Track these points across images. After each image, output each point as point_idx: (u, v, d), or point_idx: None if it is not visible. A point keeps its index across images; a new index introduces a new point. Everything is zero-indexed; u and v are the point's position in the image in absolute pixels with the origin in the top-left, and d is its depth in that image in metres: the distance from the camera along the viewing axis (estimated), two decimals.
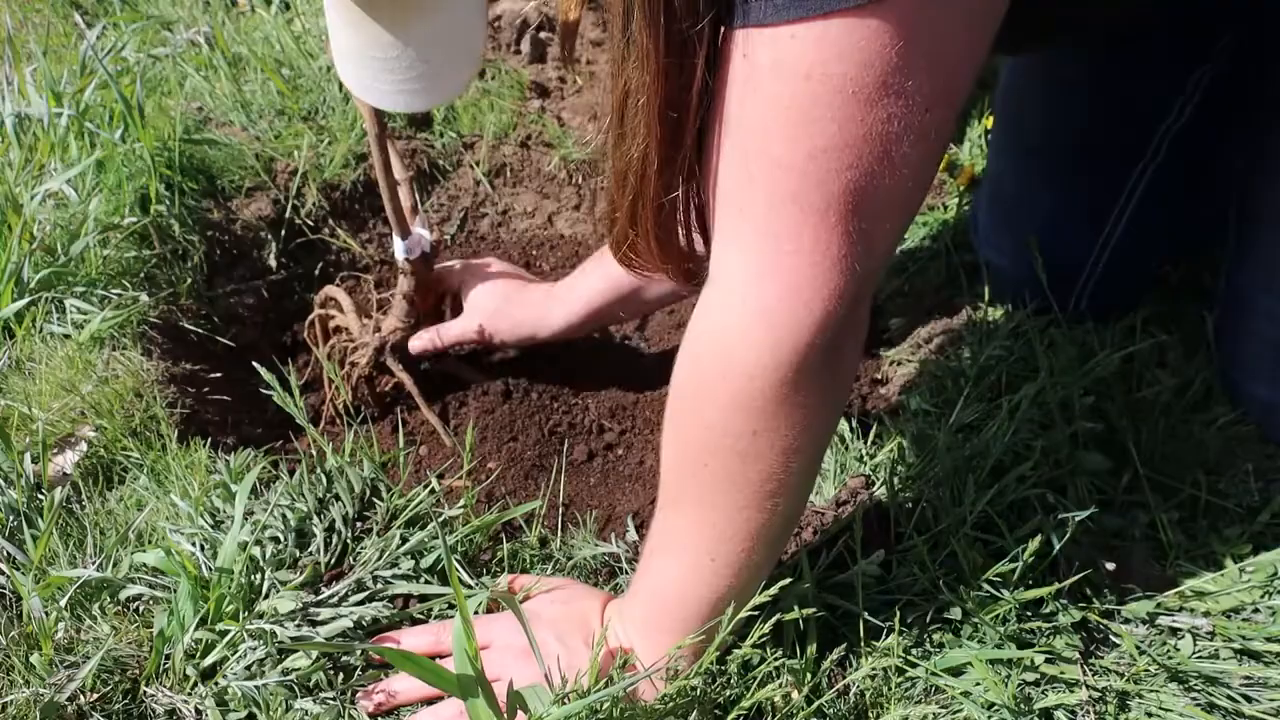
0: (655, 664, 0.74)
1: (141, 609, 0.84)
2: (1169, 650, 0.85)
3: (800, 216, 0.59)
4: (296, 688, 0.78)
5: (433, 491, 0.95)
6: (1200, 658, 0.83)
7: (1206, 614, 0.86)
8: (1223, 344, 1.10)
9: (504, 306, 1.13)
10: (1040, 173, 1.18)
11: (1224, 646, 0.84)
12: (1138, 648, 0.84)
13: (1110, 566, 0.90)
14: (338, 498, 0.93)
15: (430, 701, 0.79)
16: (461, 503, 0.94)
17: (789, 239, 0.60)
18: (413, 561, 0.89)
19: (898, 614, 0.82)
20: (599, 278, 1.09)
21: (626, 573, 0.93)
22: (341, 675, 0.81)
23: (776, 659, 0.79)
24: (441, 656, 0.80)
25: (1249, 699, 0.81)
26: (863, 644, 0.82)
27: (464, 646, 0.65)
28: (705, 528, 0.72)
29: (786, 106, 0.57)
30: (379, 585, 0.87)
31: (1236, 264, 1.08)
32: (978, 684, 0.79)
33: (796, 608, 0.80)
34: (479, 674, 0.66)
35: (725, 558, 0.72)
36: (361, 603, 0.85)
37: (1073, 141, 1.14)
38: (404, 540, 0.89)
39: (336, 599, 0.85)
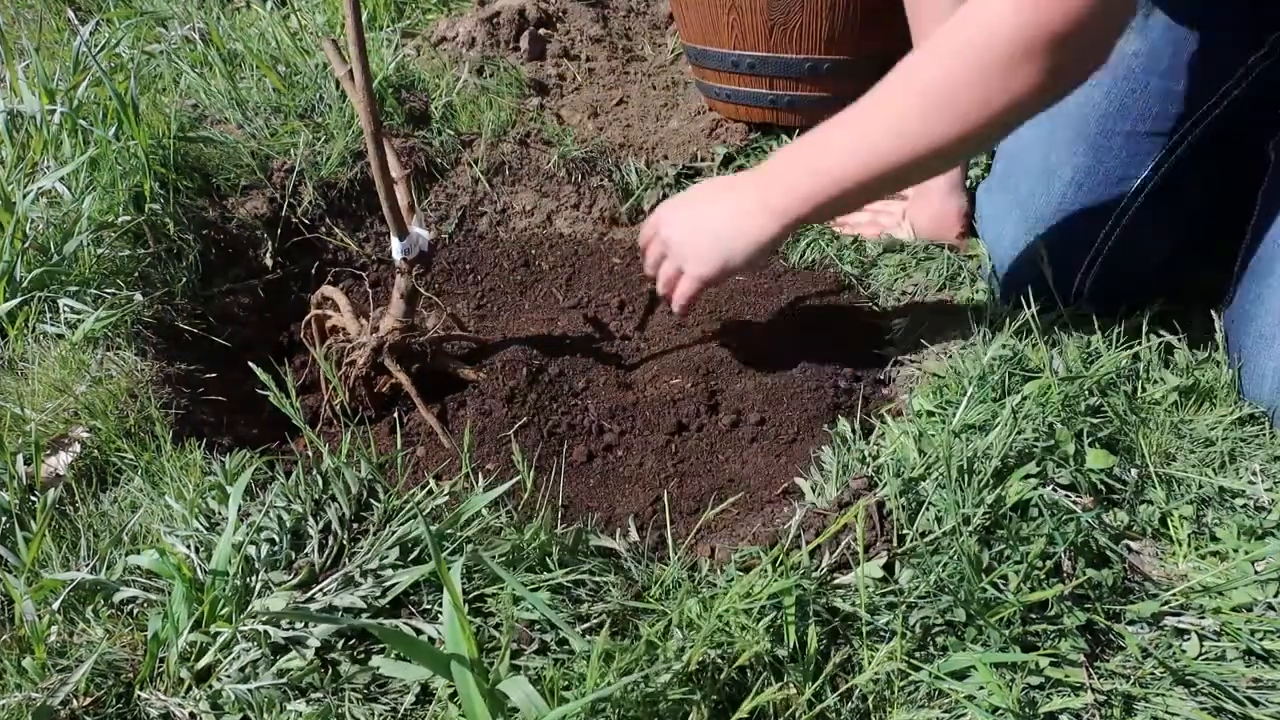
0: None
1: (135, 612, 0.83)
2: (1175, 652, 0.84)
3: None
4: (289, 689, 0.77)
5: (430, 493, 0.94)
6: (1207, 659, 0.83)
7: (1217, 611, 0.85)
8: (1233, 337, 1.09)
9: None
10: (1053, 155, 1.17)
11: (1230, 647, 0.83)
12: (1144, 650, 0.83)
13: (1133, 545, 0.89)
14: (334, 499, 0.92)
15: None
16: (447, 491, 0.93)
17: None
18: (406, 555, 0.87)
19: (900, 616, 0.81)
20: None
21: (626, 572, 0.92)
22: (332, 675, 0.80)
23: (778, 661, 0.78)
24: None
25: (1255, 702, 0.80)
26: (865, 647, 0.81)
27: (456, 623, 0.65)
28: (888, 136, 0.91)
29: None
30: (369, 581, 0.86)
31: (1243, 268, 1.07)
32: (982, 688, 0.79)
33: (798, 610, 0.80)
34: (472, 655, 0.66)
35: (884, 156, 0.92)
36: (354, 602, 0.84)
37: (1095, 125, 1.13)
38: (400, 540, 0.88)
39: (326, 597, 0.84)
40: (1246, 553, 0.89)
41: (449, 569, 0.71)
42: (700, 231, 1.08)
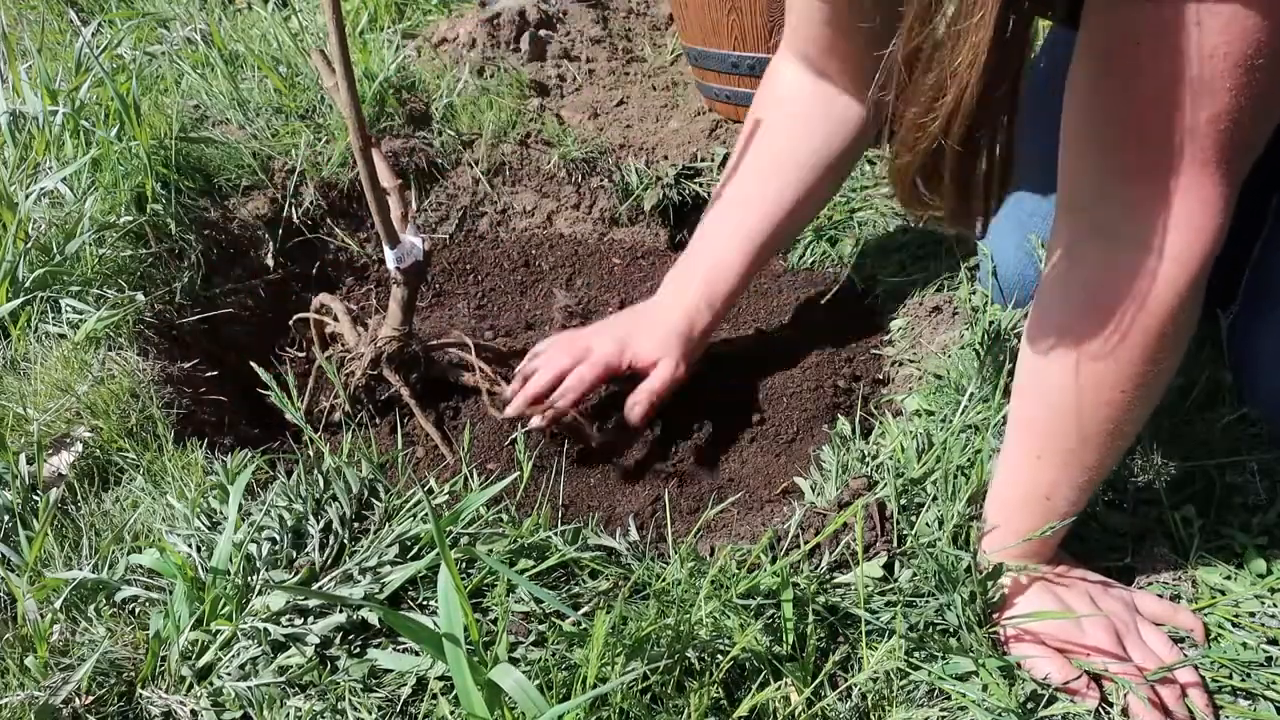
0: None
1: (137, 610, 0.84)
2: None
3: (1200, 170, 0.68)
4: (289, 686, 0.77)
5: (431, 492, 0.94)
6: (1209, 658, 0.83)
7: (1221, 608, 0.85)
8: (1234, 349, 1.08)
9: (669, 337, 1.14)
10: (1052, 178, 1.16)
11: (1233, 646, 0.84)
12: None
13: (1134, 544, 0.89)
14: (335, 498, 0.92)
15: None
16: (447, 491, 0.94)
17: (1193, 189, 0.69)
18: (406, 553, 0.88)
19: (900, 616, 0.82)
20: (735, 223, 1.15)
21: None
22: (330, 670, 0.80)
23: (777, 660, 0.78)
24: None
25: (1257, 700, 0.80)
26: (864, 646, 0.82)
27: (455, 605, 0.66)
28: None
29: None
30: (368, 579, 0.86)
31: (1254, 271, 1.07)
32: (984, 688, 0.79)
33: (797, 609, 0.80)
34: (474, 636, 0.69)
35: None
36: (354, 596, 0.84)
37: None
38: (400, 538, 0.88)
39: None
40: (1256, 551, 0.89)
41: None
42: None
